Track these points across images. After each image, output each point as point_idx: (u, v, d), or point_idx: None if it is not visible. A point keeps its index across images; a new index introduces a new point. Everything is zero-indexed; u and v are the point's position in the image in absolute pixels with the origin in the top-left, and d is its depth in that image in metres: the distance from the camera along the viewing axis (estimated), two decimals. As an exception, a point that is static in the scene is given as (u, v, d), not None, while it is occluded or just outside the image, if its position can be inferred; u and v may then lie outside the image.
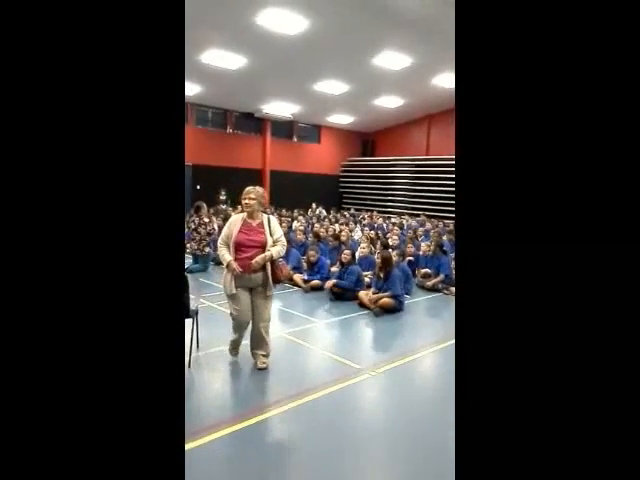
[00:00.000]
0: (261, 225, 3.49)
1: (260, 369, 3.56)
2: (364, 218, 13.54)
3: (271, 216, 3.65)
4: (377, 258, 5.78)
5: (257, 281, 3.47)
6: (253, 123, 17.36)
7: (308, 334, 4.63)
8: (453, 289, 6.61)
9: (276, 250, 3.44)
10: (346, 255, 6.03)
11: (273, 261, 3.49)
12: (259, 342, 3.61)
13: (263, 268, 3.45)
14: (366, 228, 10.50)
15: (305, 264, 6.72)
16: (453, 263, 7.46)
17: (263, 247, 3.42)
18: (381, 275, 5.56)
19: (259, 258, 3.36)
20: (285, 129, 18.41)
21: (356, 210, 16.41)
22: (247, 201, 3.48)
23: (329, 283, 6.01)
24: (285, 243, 3.56)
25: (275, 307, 5.58)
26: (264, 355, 3.63)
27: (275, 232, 3.49)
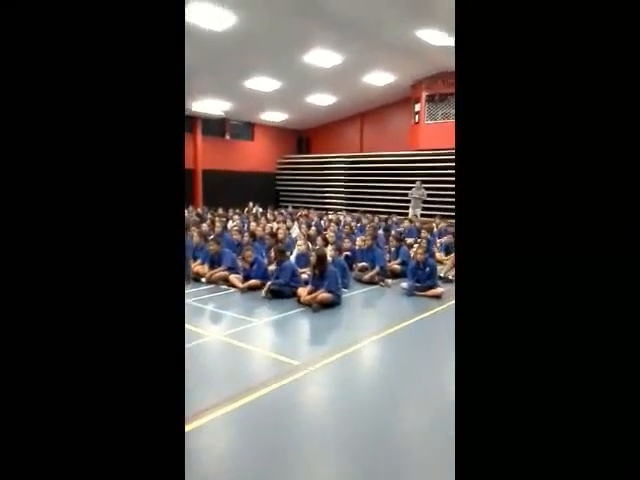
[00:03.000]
0: None
1: None
2: (301, 216, 13.56)
3: None
4: (311, 256, 5.79)
5: None
6: (183, 121, 16.77)
7: (246, 335, 4.53)
8: (388, 281, 6.79)
9: None
10: (275, 252, 6.10)
11: None
12: None
13: None
14: (303, 225, 10.50)
15: (241, 264, 6.59)
16: (387, 256, 7.70)
17: None
18: (316, 272, 5.58)
19: None
20: (217, 127, 17.97)
21: (293, 208, 16.40)
22: None
23: (265, 288, 5.91)
24: None
25: (211, 309, 5.43)
26: None
27: None
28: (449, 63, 13.22)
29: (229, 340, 4.33)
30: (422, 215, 13.00)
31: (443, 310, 5.49)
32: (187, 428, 2.67)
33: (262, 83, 14.20)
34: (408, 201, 13.41)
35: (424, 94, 15.27)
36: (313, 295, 5.43)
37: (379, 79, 14.62)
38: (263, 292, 5.89)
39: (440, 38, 11.14)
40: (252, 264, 6.39)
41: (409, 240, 9.18)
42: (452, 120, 14.62)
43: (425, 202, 13.10)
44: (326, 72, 13.32)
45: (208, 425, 2.75)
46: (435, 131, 15.07)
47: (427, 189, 13.13)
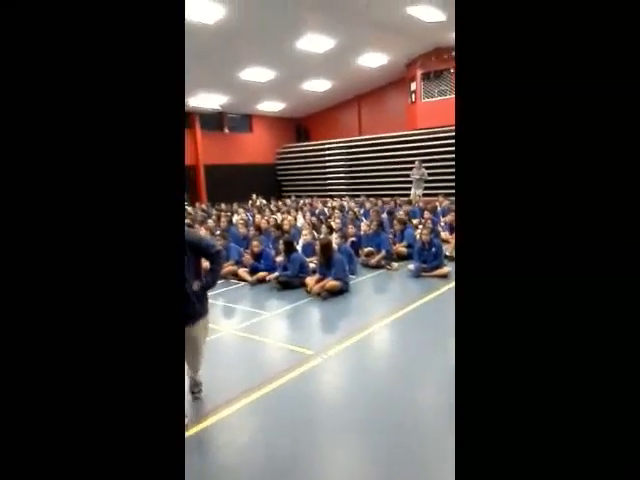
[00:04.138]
0: None
1: None
2: (305, 205, 13.57)
3: None
4: (316, 245, 5.86)
5: None
6: (180, 117, 16.73)
7: (259, 327, 4.64)
8: (394, 264, 6.86)
9: None
10: (283, 244, 6.16)
11: None
12: None
13: None
14: (307, 214, 10.53)
15: (249, 256, 6.67)
16: (393, 239, 7.75)
17: None
18: (322, 261, 5.65)
19: None
20: (215, 121, 17.94)
21: (296, 197, 16.41)
22: None
23: (272, 276, 6.04)
24: None
25: (223, 304, 5.54)
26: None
27: None
28: (442, 39, 13.04)
29: (242, 334, 4.43)
30: (425, 195, 12.97)
31: (450, 289, 5.55)
32: (207, 423, 2.78)
33: (257, 74, 14.12)
34: (410, 182, 13.38)
35: (419, 72, 15.09)
36: (321, 284, 5.51)
37: (373, 60, 14.46)
38: (269, 278, 6.09)
39: (431, 14, 10.98)
40: (260, 256, 6.47)
41: (414, 221, 9.21)
42: (449, 97, 14.47)
43: (427, 182, 13.06)
44: (320, 57, 13.20)
45: (227, 419, 2.85)
46: (432, 109, 14.93)
47: (428, 168, 13.07)
